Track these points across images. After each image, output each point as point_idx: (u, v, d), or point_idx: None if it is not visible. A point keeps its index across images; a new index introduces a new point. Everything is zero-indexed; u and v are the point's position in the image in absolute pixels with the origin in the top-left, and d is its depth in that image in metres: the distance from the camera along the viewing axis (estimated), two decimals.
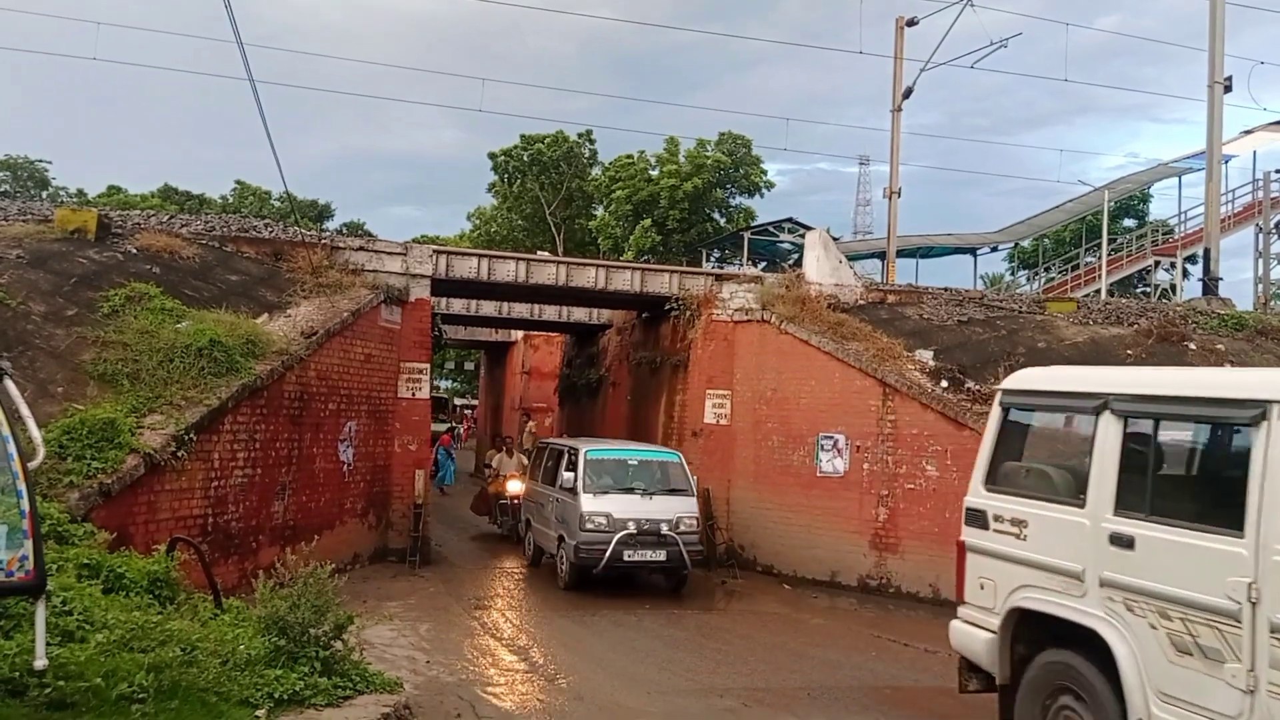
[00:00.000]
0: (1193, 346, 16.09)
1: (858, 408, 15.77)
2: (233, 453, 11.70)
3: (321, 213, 51.36)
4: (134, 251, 14.00)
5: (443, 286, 18.60)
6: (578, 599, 13.77)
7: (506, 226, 46.33)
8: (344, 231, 33.89)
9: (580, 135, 44.12)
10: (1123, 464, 6.19)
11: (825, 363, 16.26)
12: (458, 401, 53.26)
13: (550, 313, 25.49)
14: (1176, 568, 5.62)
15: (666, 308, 18.88)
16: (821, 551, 15.91)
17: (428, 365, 17.30)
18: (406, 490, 16.29)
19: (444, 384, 41.57)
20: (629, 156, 41.76)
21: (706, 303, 18.17)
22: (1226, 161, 30.79)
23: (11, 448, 4.66)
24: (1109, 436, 6.31)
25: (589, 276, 18.86)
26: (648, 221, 38.55)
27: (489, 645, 10.98)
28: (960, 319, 17.44)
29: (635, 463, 15.05)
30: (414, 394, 16.64)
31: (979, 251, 40.19)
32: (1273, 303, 30.29)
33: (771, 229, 34.84)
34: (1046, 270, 40.67)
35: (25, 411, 5.02)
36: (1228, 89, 21.33)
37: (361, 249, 16.72)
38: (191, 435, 10.56)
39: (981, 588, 7.22)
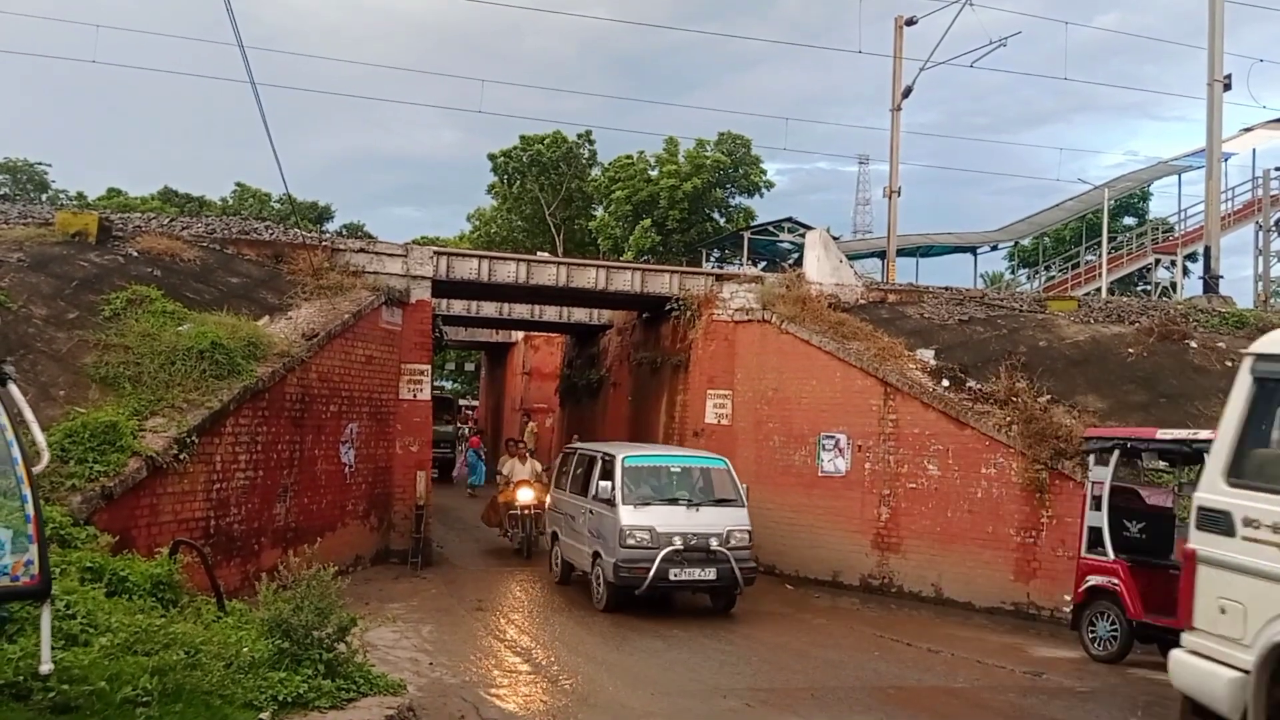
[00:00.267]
0: (1194, 345, 16.09)
1: (859, 407, 15.77)
2: (234, 455, 11.70)
3: (322, 214, 51.33)
4: (135, 254, 14.00)
5: (443, 288, 18.61)
6: (575, 596, 13.72)
7: (506, 227, 46.33)
8: (344, 233, 33.88)
9: (580, 136, 44.14)
10: None
11: (826, 362, 16.26)
12: (463, 403, 53.10)
13: (551, 313, 25.51)
14: None
15: (667, 308, 18.88)
16: (824, 551, 15.91)
17: (429, 366, 17.31)
18: (408, 492, 16.29)
19: (447, 385, 41.53)
20: (628, 157, 41.76)
21: (707, 303, 18.18)
22: (1226, 159, 30.83)
23: (16, 452, 4.66)
24: None
25: (589, 277, 18.86)
26: (647, 222, 38.55)
27: (491, 646, 10.97)
28: (961, 318, 17.44)
29: (678, 470, 13.87)
30: (415, 395, 16.65)
31: (979, 250, 40.19)
32: (1273, 300, 30.30)
33: (771, 229, 34.85)
34: (1047, 269, 40.67)
35: (29, 415, 5.02)
36: (1227, 87, 21.32)
37: (362, 251, 16.72)
38: (193, 438, 10.56)
39: (1223, 612, 5.81)
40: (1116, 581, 10.93)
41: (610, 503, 12.93)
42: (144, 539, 9.62)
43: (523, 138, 43.65)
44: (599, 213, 43.07)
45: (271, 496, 12.67)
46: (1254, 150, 34.80)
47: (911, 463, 15.10)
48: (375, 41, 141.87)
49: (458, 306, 24.34)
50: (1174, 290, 33.83)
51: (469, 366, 48.11)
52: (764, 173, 42.24)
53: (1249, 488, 5.77)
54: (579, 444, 17.40)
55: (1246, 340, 16.60)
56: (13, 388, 4.99)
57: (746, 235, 34.75)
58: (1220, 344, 16.24)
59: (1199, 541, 6.06)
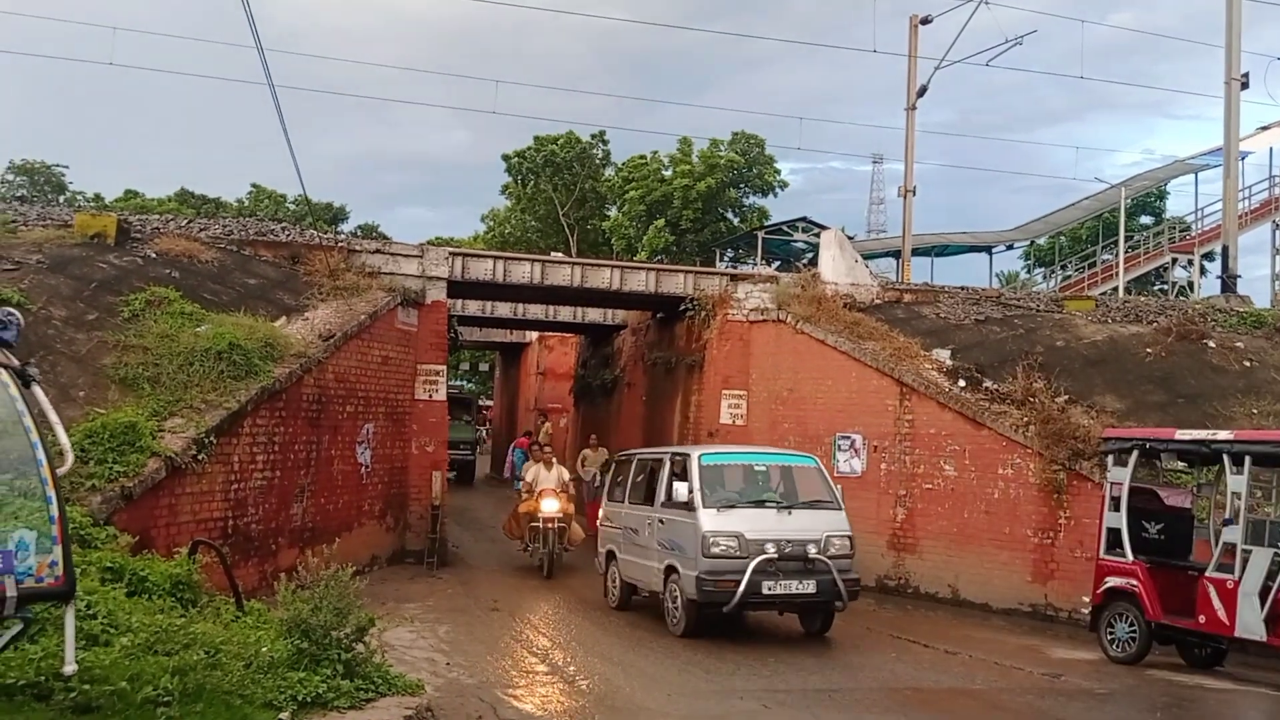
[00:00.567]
0: (1212, 344, 16.00)
1: (875, 407, 15.73)
2: (252, 455, 11.75)
3: (336, 215, 51.52)
4: (153, 256, 14.08)
5: (458, 288, 18.64)
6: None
7: (520, 228, 46.39)
8: (359, 234, 34.00)
9: (593, 136, 44.19)
10: None
11: (842, 362, 16.23)
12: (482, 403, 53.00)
13: (565, 314, 25.51)
14: None
15: (681, 308, 18.87)
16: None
17: (444, 367, 17.36)
18: (424, 492, 16.33)
19: (466, 385, 41.63)
20: (642, 157, 41.78)
21: (722, 303, 18.16)
22: (1243, 158, 30.60)
23: (40, 454, 4.69)
24: None
25: (604, 277, 18.87)
26: (661, 222, 38.54)
27: (508, 646, 10.99)
28: (977, 318, 17.38)
29: (763, 469, 12.56)
30: (431, 396, 16.69)
31: (995, 250, 40.03)
32: None
33: (785, 228, 34.81)
34: (1063, 268, 40.48)
35: (54, 417, 5.05)
36: (1245, 85, 21.22)
37: (378, 251, 16.78)
38: (211, 438, 10.61)
39: None
40: (1135, 583, 10.87)
41: (687, 507, 11.35)
42: (163, 539, 9.68)
43: (537, 138, 43.72)
44: (613, 213, 43.10)
45: (288, 497, 12.72)
46: (1271, 149, 34.55)
47: (928, 463, 15.06)
48: (388, 42, 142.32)
49: (473, 307, 24.37)
50: (1191, 289, 33.63)
51: (483, 367, 48.19)
52: (778, 172, 42.22)
53: None
54: (637, 450, 15.64)
55: (1265, 340, 16.59)
56: (37, 390, 5.02)
57: (761, 235, 34.71)
58: (1238, 344, 16.15)
59: None
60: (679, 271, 19.75)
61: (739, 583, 10.70)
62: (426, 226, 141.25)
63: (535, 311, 25.61)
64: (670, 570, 11.61)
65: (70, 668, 4.88)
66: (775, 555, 10.93)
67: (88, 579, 6.98)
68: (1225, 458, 10.23)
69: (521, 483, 16.66)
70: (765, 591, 10.87)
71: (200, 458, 10.41)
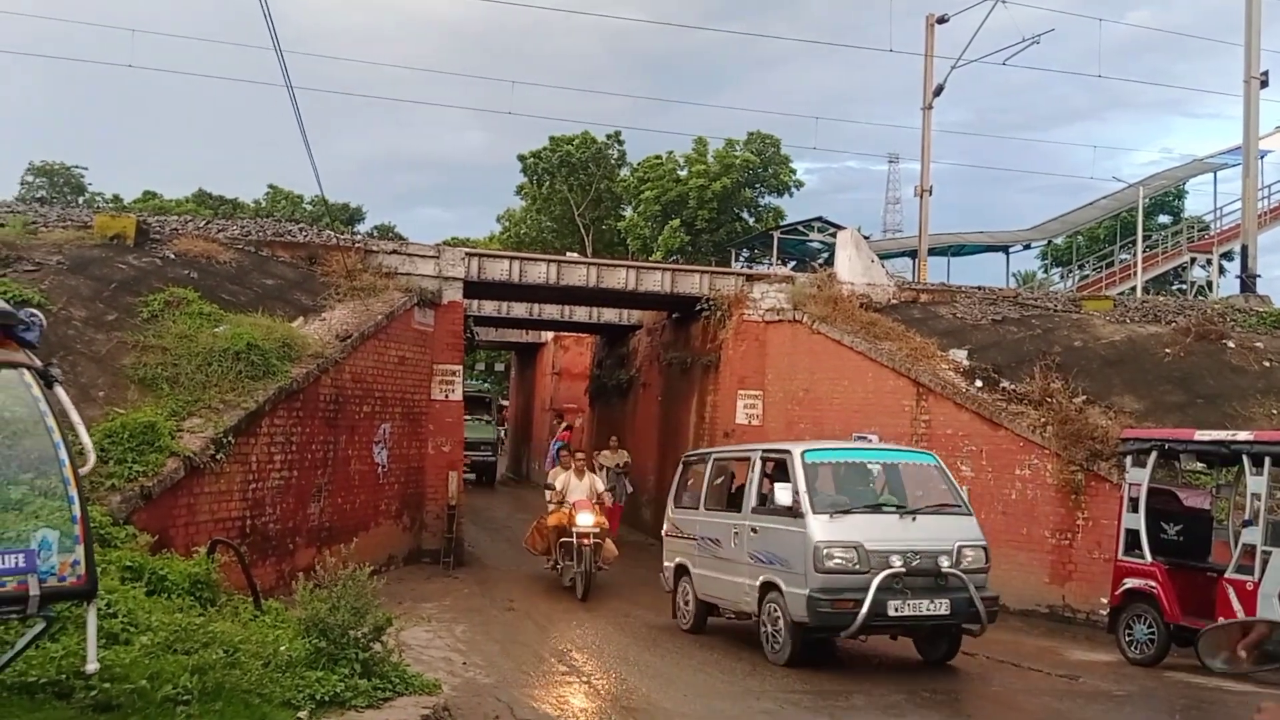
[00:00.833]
0: (1231, 344, 15.89)
1: (891, 408, 15.69)
2: (270, 455, 11.81)
3: (353, 216, 51.73)
4: (172, 256, 14.17)
5: (474, 289, 18.68)
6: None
7: (536, 228, 46.48)
8: (375, 234, 34.10)
9: (609, 136, 44.25)
10: None
11: (858, 363, 16.19)
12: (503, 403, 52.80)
13: (580, 314, 25.54)
14: None
15: (697, 308, 18.87)
16: None
17: (460, 367, 17.41)
18: (440, 491, 16.38)
19: (484, 384, 41.68)
20: (657, 157, 41.80)
21: (737, 303, 18.14)
22: (1263, 157, 30.39)
23: (63, 454, 4.73)
24: None
25: (619, 277, 18.88)
26: (676, 222, 38.55)
27: (524, 646, 11.00)
28: (994, 318, 17.32)
29: (877, 467, 11.01)
30: (447, 396, 16.74)
31: (1011, 249, 39.87)
32: None
33: (801, 228, 34.75)
34: (1080, 268, 40.28)
35: (76, 418, 5.09)
36: (1264, 84, 21.08)
37: (395, 252, 16.83)
38: (230, 438, 10.68)
39: None
40: (1154, 584, 10.80)
41: (792, 513, 9.84)
42: (182, 538, 9.74)
43: (552, 138, 43.80)
44: (628, 213, 43.14)
45: (306, 496, 12.78)
46: None
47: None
48: (403, 43, 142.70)
49: (488, 307, 24.42)
50: (1210, 289, 33.43)
51: (499, 367, 48.28)
52: (793, 172, 42.21)
53: None
54: (712, 449, 14.20)
55: None
56: (59, 390, 5.06)
57: (776, 235, 34.67)
58: (1258, 344, 16.05)
59: None
60: (694, 272, 19.75)
61: (860, 602, 9.17)
62: (442, 227, 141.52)
63: (551, 312, 25.64)
64: (768, 588, 10.12)
65: (92, 666, 4.92)
66: (902, 569, 9.36)
67: (108, 578, 7.03)
68: (1245, 459, 10.17)
69: (549, 491, 15.08)
70: (891, 613, 9.31)
71: (218, 457, 10.47)
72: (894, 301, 17.99)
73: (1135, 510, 11.18)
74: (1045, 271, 46.55)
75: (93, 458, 5.31)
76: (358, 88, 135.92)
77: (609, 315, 25.34)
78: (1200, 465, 12.02)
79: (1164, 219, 41.90)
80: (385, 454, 15.12)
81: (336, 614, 6.69)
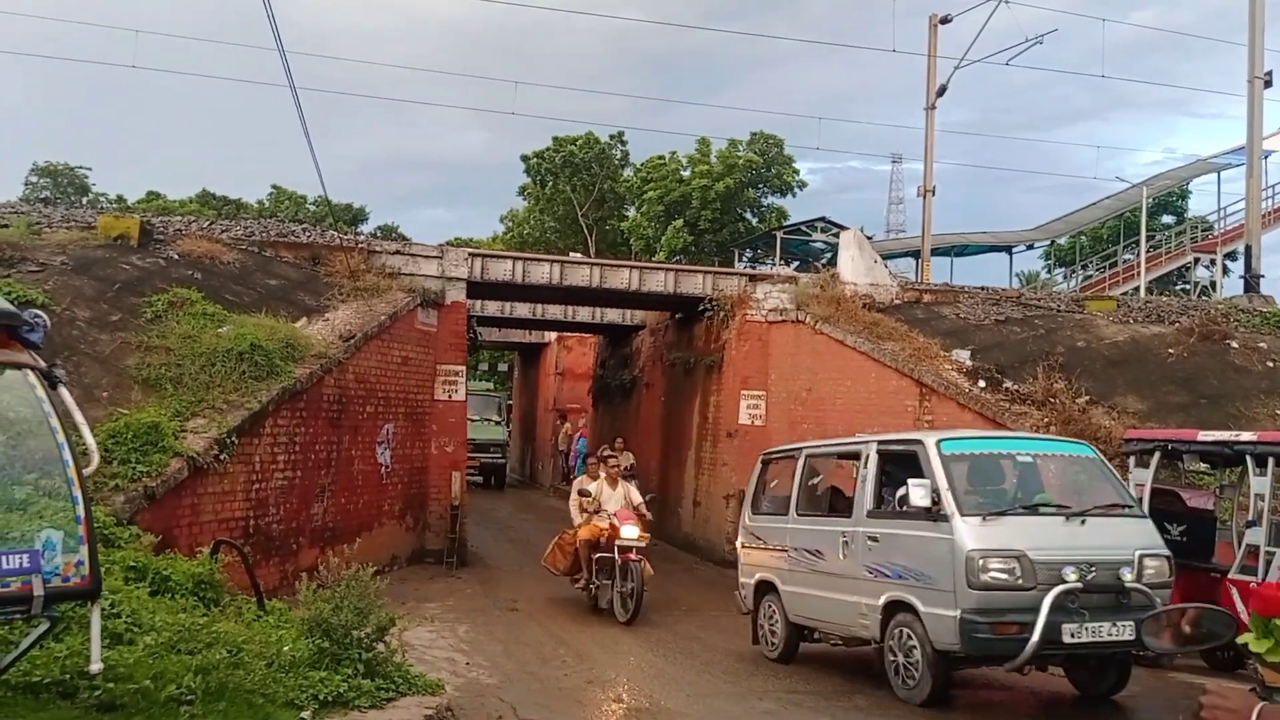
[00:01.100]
0: (1235, 345, 15.89)
1: (894, 408, 15.67)
2: (273, 455, 11.83)
3: (356, 216, 51.75)
4: (176, 257, 14.19)
5: (478, 289, 18.69)
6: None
7: (539, 228, 46.50)
8: (379, 235, 34.13)
9: (612, 137, 44.26)
10: None
11: (861, 363, 16.19)
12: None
13: (584, 314, 25.55)
14: None
15: (700, 308, 18.87)
16: None
17: (464, 367, 17.41)
18: (443, 492, 16.39)
19: (485, 384, 41.67)
20: (660, 157, 41.82)
21: (740, 303, 18.14)
22: (1266, 157, 30.36)
23: (67, 454, 4.74)
24: None
25: (623, 278, 18.88)
26: (679, 222, 38.55)
27: (527, 646, 11.01)
28: (997, 318, 17.31)
29: (1028, 459, 9.24)
30: (450, 396, 16.74)
31: (1015, 250, 39.83)
32: None
33: (804, 228, 34.74)
34: (1084, 268, 40.25)
35: (80, 418, 5.10)
36: (1268, 84, 21.07)
37: (398, 253, 16.84)
38: (233, 438, 10.69)
39: None
40: None
41: (931, 516, 8.23)
42: (185, 538, 9.76)
43: (555, 139, 43.82)
44: (631, 213, 43.16)
45: (309, 496, 12.79)
46: None
47: None
48: (406, 43, 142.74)
49: (491, 307, 24.42)
50: (1214, 289, 33.39)
51: (502, 367, 48.34)
52: (796, 172, 42.20)
53: None
54: (804, 442, 12.17)
55: None
56: (63, 391, 5.08)
57: (779, 235, 34.66)
58: (1262, 344, 16.04)
59: None
60: (697, 272, 19.75)
61: (1029, 626, 7.57)
62: (445, 227, 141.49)
63: (554, 312, 25.65)
64: (896, 609, 8.53)
65: (96, 666, 4.92)
66: (1079, 585, 7.73)
67: (111, 578, 7.04)
68: (1248, 459, 10.15)
69: (573, 501, 13.60)
70: (1068, 639, 7.66)
71: (222, 458, 10.49)
72: (897, 302, 17.98)
73: None
74: (1048, 272, 46.51)
75: (96, 458, 5.31)
76: (360, 88, 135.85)
77: (612, 315, 25.34)
78: (1204, 466, 12.02)
79: (1168, 219, 41.86)
80: (388, 454, 15.14)
81: (340, 614, 6.71)
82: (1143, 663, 10.71)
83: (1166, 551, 8.49)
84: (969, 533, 7.99)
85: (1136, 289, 32.05)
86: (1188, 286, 36.37)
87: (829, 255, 29.69)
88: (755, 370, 17.78)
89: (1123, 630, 7.79)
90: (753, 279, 18.89)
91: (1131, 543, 8.30)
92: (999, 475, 9.18)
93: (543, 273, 18.70)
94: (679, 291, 18.96)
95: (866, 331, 16.43)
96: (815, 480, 10.66)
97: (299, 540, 12.49)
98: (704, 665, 10.25)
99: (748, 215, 41.37)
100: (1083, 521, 8.38)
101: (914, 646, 8.30)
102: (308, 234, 16.94)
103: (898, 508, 8.80)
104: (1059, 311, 17.93)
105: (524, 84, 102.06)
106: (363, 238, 18.81)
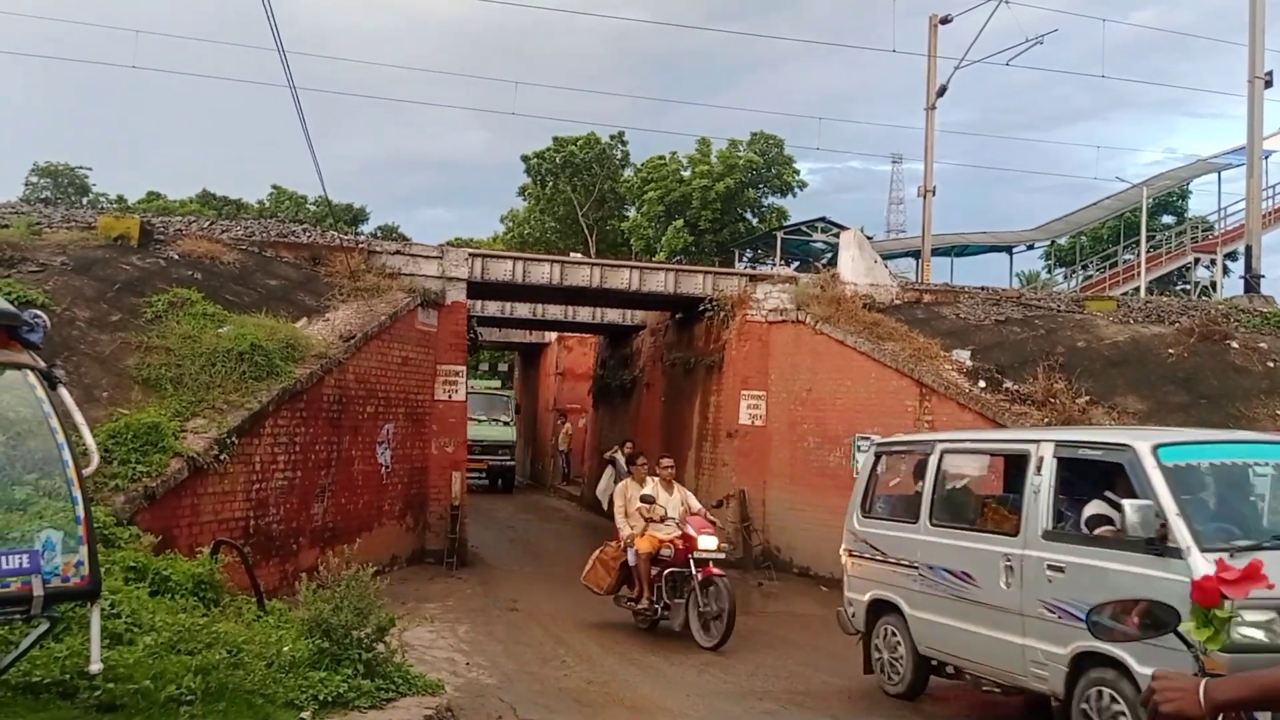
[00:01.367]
0: (1235, 345, 15.88)
1: (894, 408, 15.68)
2: (273, 455, 11.83)
3: (356, 216, 51.77)
4: (176, 257, 14.19)
5: (478, 289, 18.69)
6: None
7: (539, 228, 46.52)
8: (379, 235, 34.16)
9: (612, 137, 44.28)
10: None
11: (861, 363, 16.18)
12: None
13: (584, 314, 25.56)
14: None
15: (700, 308, 18.87)
16: None
17: (464, 368, 17.41)
18: (443, 492, 16.38)
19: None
20: (661, 157, 41.84)
21: (741, 303, 18.14)
22: (1267, 157, 30.36)
23: (66, 454, 4.73)
24: None
25: (623, 278, 18.88)
26: (680, 222, 38.56)
27: (527, 647, 11.00)
28: (997, 318, 17.31)
29: (1269, 470, 7.38)
30: (450, 396, 16.74)
31: (1015, 250, 39.84)
32: None
33: (804, 229, 34.77)
34: (1084, 268, 40.26)
35: (79, 418, 5.10)
36: (1268, 84, 21.04)
37: (398, 253, 16.84)
38: (233, 438, 10.69)
39: None
40: None
41: (1158, 549, 6.43)
42: (185, 539, 9.76)
43: (556, 139, 43.84)
44: (631, 213, 43.17)
45: (309, 497, 12.79)
46: None
47: None
48: (406, 43, 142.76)
49: (492, 308, 24.43)
50: (1214, 290, 33.40)
51: (502, 367, 48.36)
52: (796, 172, 42.22)
53: None
54: (941, 434, 10.51)
55: None
56: (63, 391, 5.07)
57: (779, 235, 34.70)
58: (1262, 344, 16.03)
59: None
60: (698, 272, 19.75)
61: None
62: (446, 227, 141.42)
63: (554, 312, 25.66)
64: (1092, 661, 6.74)
65: (96, 666, 4.92)
66: None
67: (111, 578, 7.04)
68: None
69: (619, 509, 11.78)
70: None
71: (222, 458, 10.49)
72: (897, 302, 17.98)
73: None
74: (1049, 272, 46.52)
75: (96, 458, 5.31)
76: (360, 88, 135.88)
77: (612, 315, 25.35)
78: None
79: (1168, 219, 41.87)
80: (389, 454, 15.14)
81: (340, 614, 6.70)
82: None
83: None
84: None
85: (1137, 289, 32.05)
86: (1188, 287, 36.38)
87: (829, 255, 29.70)
88: (755, 370, 17.78)
89: None
90: (753, 279, 18.89)
91: None
92: (1237, 493, 7.28)
93: (543, 273, 18.70)
94: (679, 292, 18.96)
95: (867, 331, 16.43)
96: (958, 483, 8.90)
97: (299, 540, 12.49)
98: (704, 665, 10.25)
99: (748, 215, 41.40)
100: None
101: (1122, 714, 6.51)
102: (308, 234, 16.94)
103: (1088, 530, 7.15)
104: (1059, 312, 17.93)
105: (524, 84, 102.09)
106: (363, 238, 18.82)
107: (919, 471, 9.02)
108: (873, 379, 16.02)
